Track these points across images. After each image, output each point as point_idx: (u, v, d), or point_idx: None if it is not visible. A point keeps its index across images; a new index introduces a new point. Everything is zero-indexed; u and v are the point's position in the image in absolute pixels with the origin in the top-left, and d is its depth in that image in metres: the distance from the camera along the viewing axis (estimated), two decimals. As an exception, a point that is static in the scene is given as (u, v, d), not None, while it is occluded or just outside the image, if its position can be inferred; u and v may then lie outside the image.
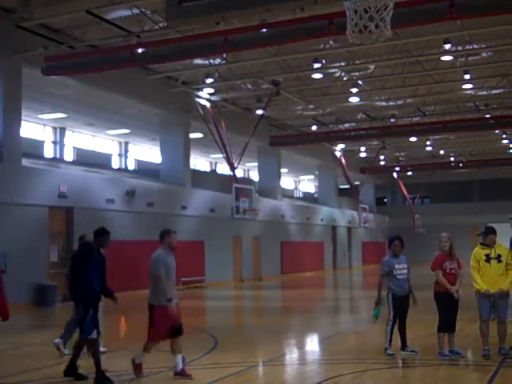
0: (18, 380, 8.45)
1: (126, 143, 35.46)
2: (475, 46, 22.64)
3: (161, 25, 18.61)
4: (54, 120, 29.07)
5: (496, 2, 15.53)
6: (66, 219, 21.18)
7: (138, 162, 36.30)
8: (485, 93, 29.70)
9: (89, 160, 28.87)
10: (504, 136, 39.21)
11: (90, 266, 8.24)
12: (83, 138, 32.30)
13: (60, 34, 20.22)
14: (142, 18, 19.01)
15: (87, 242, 8.65)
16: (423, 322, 11.50)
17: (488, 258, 9.12)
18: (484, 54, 23.94)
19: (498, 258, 9.11)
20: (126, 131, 32.26)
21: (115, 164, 34.42)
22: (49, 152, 29.86)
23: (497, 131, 36.95)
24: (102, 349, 10.22)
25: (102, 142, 33.75)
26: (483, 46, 22.75)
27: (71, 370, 8.30)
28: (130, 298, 16.87)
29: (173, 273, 8.32)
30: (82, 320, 8.12)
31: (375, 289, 9.74)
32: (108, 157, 34.07)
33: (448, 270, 9.27)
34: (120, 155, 35.28)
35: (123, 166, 34.88)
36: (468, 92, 29.32)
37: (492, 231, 9.29)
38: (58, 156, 29.88)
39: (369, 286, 27.68)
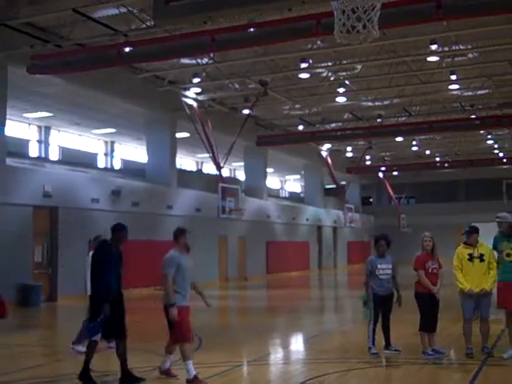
0: (7, 379, 8.40)
1: (112, 142, 35.33)
2: (461, 47, 22.76)
3: (148, 24, 18.56)
4: (40, 119, 28.90)
5: (482, 3, 15.63)
6: (50, 219, 21.07)
7: (124, 162, 36.16)
8: (470, 93, 29.86)
9: (74, 159, 28.71)
10: (489, 137, 39.47)
11: (110, 265, 8.01)
12: (69, 137, 32.15)
13: (46, 33, 20.09)
14: (129, 16, 18.93)
15: (105, 240, 8.37)
16: (407, 322, 11.54)
17: (471, 258, 9.19)
18: (470, 55, 24.06)
19: (481, 257, 9.19)
20: (112, 130, 32.14)
21: (101, 163, 34.29)
22: (34, 151, 29.70)
23: (482, 132, 37.19)
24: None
25: (88, 141, 33.60)
26: (469, 46, 22.88)
27: (127, 376, 8.00)
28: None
29: (187, 274, 8.11)
30: (91, 319, 7.93)
31: (360, 288, 9.79)
32: (94, 156, 33.92)
33: (430, 270, 9.32)
34: (106, 154, 35.15)
35: (109, 166, 34.76)
36: (454, 92, 29.47)
37: (475, 230, 9.37)
38: (42, 155, 29.72)
39: (354, 286, 27.78)
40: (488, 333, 9.34)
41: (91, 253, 10.37)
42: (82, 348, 10.08)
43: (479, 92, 29.42)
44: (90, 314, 8.07)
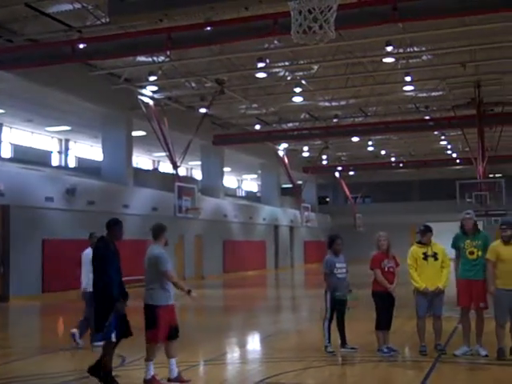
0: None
1: (67, 140, 34.77)
2: (416, 49, 23.08)
3: (103, 20, 18.31)
4: (-9, 116, 28.31)
5: (437, 6, 15.89)
6: (1, 218, 20.63)
7: (79, 160, 35.64)
8: (425, 95, 30.33)
9: (27, 157, 28.19)
10: (442, 137, 40.15)
11: (111, 261, 7.82)
12: (21, 135, 31.52)
13: (-2, 27, 19.69)
14: (83, 12, 18.64)
15: (103, 237, 8.16)
16: (362, 320, 11.65)
17: (425, 256, 9.31)
18: (424, 57, 24.42)
19: (435, 255, 9.32)
20: (67, 128, 31.63)
21: (55, 161, 33.72)
22: (-15, 149, 29.08)
23: (435, 132, 37.82)
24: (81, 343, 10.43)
25: (42, 138, 33.01)
26: (424, 49, 23.23)
27: (96, 369, 7.75)
28: (74, 298, 16.60)
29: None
30: (103, 321, 7.63)
31: (315, 288, 9.84)
32: (47, 154, 33.34)
33: (387, 269, 9.41)
34: (60, 152, 34.58)
35: (63, 164, 34.20)
36: (409, 94, 29.87)
37: (429, 229, 9.51)
38: (-6, 153, 29.11)
39: (310, 285, 27.93)
40: (441, 330, 9.47)
41: (88, 250, 10.38)
42: (81, 342, 10.50)
43: (433, 93, 29.91)
44: (96, 312, 7.82)
